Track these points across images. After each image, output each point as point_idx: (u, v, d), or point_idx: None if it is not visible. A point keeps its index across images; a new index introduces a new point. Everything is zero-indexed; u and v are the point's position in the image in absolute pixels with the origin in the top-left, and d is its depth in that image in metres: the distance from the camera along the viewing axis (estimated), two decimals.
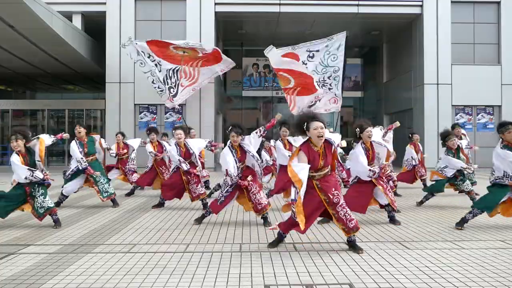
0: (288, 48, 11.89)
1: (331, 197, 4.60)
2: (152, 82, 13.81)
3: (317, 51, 11.94)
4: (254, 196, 5.87)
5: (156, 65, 13.56)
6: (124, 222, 6.34)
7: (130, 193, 9.49)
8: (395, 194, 9.36)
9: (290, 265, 4.13)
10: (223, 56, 14.37)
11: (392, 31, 19.98)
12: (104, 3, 16.87)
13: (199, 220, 6.21)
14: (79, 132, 7.60)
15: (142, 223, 6.25)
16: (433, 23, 17.20)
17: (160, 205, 7.72)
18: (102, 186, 7.55)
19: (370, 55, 23.67)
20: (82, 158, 7.42)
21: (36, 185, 5.89)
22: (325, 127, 4.66)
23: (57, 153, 19.53)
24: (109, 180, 7.99)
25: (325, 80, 11.77)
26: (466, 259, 4.36)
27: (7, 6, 11.51)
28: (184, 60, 13.85)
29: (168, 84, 13.74)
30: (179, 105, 16.56)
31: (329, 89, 11.77)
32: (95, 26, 17.42)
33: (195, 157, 7.21)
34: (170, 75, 13.79)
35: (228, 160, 5.77)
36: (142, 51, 13.48)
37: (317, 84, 11.31)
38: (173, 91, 13.81)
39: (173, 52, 13.77)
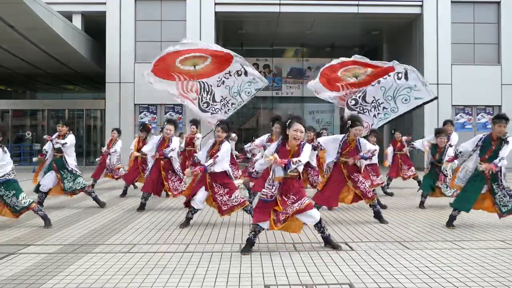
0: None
1: (286, 199, 4.62)
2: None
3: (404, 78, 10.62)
4: (221, 197, 5.83)
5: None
6: (124, 222, 6.34)
7: (123, 194, 9.38)
8: (386, 193, 9.42)
9: (290, 265, 4.13)
10: (232, 54, 11.80)
11: (392, 31, 19.97)
12: (104, 3, 16.86)
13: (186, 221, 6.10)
14: (60, 131, 7.44)
15: (142, 223, 6.25)
16: (433, 23, 17.19)
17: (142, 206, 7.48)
18: (68, 183, 7.39)
19: (370, 55, 23.53)
20: (44, 148, 7.55)
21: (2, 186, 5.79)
22: (305, 132, 4.73)
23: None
24: (77, 176, 7.53)
25: (379, 106, 10.69)
26: (466, 259, 4.36)
27: (7, 6, 11.51)
28: (197, 76, 11.75)
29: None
30: (179, 105, 16.59)
31: (374, 115, 10.56)
32: (95, 26, 17.42)
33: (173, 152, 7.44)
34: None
35: (202, 150, 6.08)
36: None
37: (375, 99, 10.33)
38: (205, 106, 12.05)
39: (180, 69, 11.68)
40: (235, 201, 5.82)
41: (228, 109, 11.36)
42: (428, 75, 17.21)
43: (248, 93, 11.69)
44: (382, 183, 8.76)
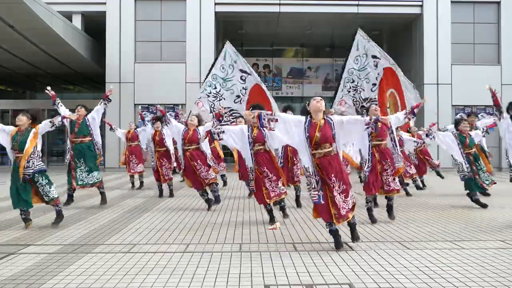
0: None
1: (328, 181, 4.62)
2: (210, 81, 12.25)
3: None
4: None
5: (238, 96, 12.15)
6: (124, 222, 6.34)
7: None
8: (418, 187, 9.94)
9: (290, 265, 4.13)
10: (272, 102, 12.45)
11: (392, 31, 19.98)
12: (104, 3, 16.87)
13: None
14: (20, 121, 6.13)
15: (142, 223, 6.25)
16: (433, 23, 17.19)
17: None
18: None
19: None
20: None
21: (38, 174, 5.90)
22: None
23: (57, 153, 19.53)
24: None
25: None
26: (466, 259, 4.36)
27: (7, 6, 11.51)
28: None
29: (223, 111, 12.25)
30: (179, 105, 16.61)
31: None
32: (95, 26, 17.42)
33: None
34: (234, 115, 12.60)
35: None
36: (243, 78, 12.11)
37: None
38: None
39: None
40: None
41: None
42: (428, 75, 17.24)
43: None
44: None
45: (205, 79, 12.25)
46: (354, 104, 11.38)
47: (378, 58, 11.26)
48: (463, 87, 17.11)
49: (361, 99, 11.22)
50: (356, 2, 17.07)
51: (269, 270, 4.00)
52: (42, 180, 5.89)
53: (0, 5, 11.41)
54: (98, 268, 4.06)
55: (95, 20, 17.32)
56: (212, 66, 12.24)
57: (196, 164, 7.26)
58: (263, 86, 12.19)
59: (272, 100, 12.35)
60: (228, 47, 12.12)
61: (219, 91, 12.17)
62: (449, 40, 17.14)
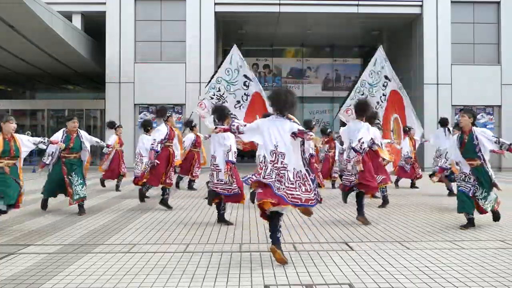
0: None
1: None
2: (214, 84, 12.26)
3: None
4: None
5: (238, 101, 12.10)
6: (124, 222, 6.34)
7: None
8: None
9: (290, 265, 4.13)
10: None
11: (392, 31, 19.98)
12: (104, 3, 16.86)
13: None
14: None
15: (142, 223, 6.25)
16: (433, 23, 17.19)
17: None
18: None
19: (370, 55, 23.62)
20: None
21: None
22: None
23: None
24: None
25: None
26: (466, 259, 4.36)
27: (7, 6, 11.51)
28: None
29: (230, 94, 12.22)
30: (180, 104, 16.61)
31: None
32: (95, 26, 17.42)
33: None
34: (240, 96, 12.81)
35: None
36: (246, 84, 12.11)
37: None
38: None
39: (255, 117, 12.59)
40: None
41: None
42: (428, 75, 17.23)
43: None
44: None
45: (209, 81, 12.33)
46: None
47: (389, 79, 11.60)
48: (463, 87, 17.11)
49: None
50: (356, 2, 17.07)
51: (269, 270, 4.00)
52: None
53: (0, 5, 11.40)
54: (98, 268, 4.06)
55: (95, 20, 17.32)
56: (218, 68, 12.31)
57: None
58: (263, 95, 12.29)
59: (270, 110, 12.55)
60: (235, 51, 12.19)
61: (223, 94, 12.28)
62: (449, 40, 17.14)
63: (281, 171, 4.18)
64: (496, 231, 5.70)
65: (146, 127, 9.13)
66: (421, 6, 17.33)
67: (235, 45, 12.26)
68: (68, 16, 15.90)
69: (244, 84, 12.32)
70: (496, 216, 6.03)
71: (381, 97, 11.35)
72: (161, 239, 5.27)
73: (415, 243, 5.03)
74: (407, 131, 10.38)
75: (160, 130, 7.42)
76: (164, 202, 7.39)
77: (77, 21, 17.14)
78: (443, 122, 9.86)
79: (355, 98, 11.38)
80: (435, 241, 5.10)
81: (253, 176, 4.25)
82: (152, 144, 7.25)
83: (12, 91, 24.81)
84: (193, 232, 5.67)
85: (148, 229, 5.85)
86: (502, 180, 13.05)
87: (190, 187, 10.40)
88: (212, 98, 12.28)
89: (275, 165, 4.19)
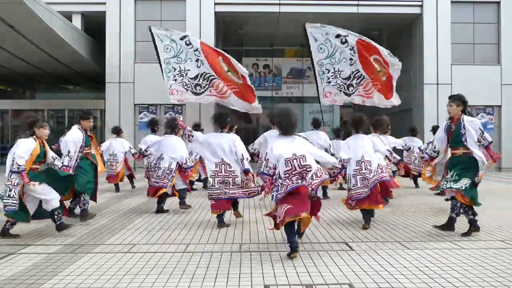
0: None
1: None
2: (167, 68, 12.87)
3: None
4: None
5: (197, 60, 12.85)
6: (124, 222, 6.34)
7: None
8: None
9: (289, 265, 4.13)
10: (256, 101, 13.56)
11: (392, 31, 19.97)
12: (104, 3, 16.85)
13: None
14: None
15: (142, 223, 6.25)
16: (433, 23, 17.18)
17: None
18: None
19: None
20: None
21: None
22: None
23: None
24: None
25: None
26: (466, 259, 4.36)
27: (7, 6, 11.50)
28: (224, 78, 13.15)
29: (195, 81, 12.97)
30: (179, 105, 16.57)
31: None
32: (95, 26, 17.41)
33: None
34: (206, 77, 13.01)
35: None
36: (187, 42, 12.73)
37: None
38: (199, 89, 13.06)
39: (220, 63, 13.13)
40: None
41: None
42: (428, 75, 17.22)
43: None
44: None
45: (162, 71, 12.73)
46: (340, 90, 11.80)
47: (344, 35, 11.68)
48: (463, 87, 17.01)
49: (343, 81, 11.69)
50: (356, 2, 17.06)
51: (269, 270, 4.00)
52: None
53: (0, 5, 11.40)
54: (98, 268, 4.06)
55: (95, 20, 17.31)
56: (157, 56, 12.73)
57: None
58: (207, 43, 13.07)
59: (229, 56, 13.12)
60: (154, 30, 12.69)
61: (181, 68, 12.88)
62: (449, 40, 17.13)
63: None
64: (496, 231, 5.70)
65: (153, 126, 9.41)
66: (421, 6, 17.33)
67: (149, 26, 12.90)
68: (68, 16, 15.90)
69: (186, 44, 12.75)
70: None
71: (350, 52, 11.52)
72: (161, 239, 5.27)
73: (415, 243, 5.03)
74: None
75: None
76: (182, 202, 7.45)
77: (77, 21, 17.14)
78: (434, 130, 9.79)
79: (324, 82, 11.58)
80: (435, 241, 5.10)
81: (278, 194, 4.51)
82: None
83: (12, 91, 24.81)
84: (193, 232, 5.67)
85: (148, 229, 5.85)
86: (502, 180, 13.07)
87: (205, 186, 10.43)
88: (176, 80, 12.72)
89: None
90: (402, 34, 19.37)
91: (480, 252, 4.62)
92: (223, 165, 5.96)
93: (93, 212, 6.67)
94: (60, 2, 16.12)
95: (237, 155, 5.96)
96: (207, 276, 3.83)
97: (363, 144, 6.02)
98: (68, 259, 4.36)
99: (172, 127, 7.30)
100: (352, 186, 5.97)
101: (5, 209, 5.24)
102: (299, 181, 4.44)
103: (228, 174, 5.95)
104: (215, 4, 16.94)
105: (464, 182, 5.25)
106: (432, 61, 17.18)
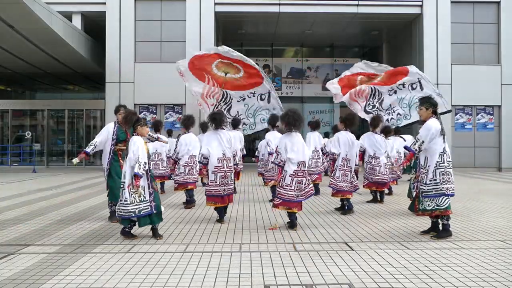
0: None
1: None
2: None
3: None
4: None
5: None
6: None
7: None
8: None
9: (290, 265, 4.13)
10: (264, 76, 13.02)
11: (392, 31, 19.97)
12: (104, 3, 16.86)
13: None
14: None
15: None
16: (433, 23, 17.19)
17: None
18: None
19: (370, 55, 23.66)
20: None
21: None
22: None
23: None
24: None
25: (394, 112, 12.32)
26: (466, 259, 4.36)
27: (7, 6, 11.50)
28: (225, 84, 12.83)
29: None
30: (179, 105, 16.62)
31: (386, 119, 12.24)
32: (95, 26, 17.42)
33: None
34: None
35: None
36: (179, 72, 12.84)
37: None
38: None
39: (213, 73, 12.81)
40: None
41: (244, 129, 12.32)
42: (428, 75, 17.15)
43: (263, 120, 12.78)
44: None
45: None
46: (366, 105, 12.12)
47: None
48: (463, 87, 17.10)
49: (378, 105, 12.07)
50: (356, 2, 17.06)
51: (269, 270, 4.00)
52: None
53: (0, 5, 11.40)
54: (98, 268, 4.06)
55: (95, 20, 17.32)
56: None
57: None
58: (202, 52, 12.99)
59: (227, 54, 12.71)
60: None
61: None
62: (449, 40, 17.13)
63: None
64: (496, 231, 5.71)
65: (157, 127, 9.50)
66: (421, 6, 17.33)
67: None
68: (68, 16, 15.90)
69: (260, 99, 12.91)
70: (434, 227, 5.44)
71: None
72: (161, 239, 5.27)
73: (415, 243, 5.03)
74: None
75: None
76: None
77: (77, 21, 17.13)
78: None
79: (374, 100, 11.89)
80: (435, 241, 5.11)
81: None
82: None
83: (12, 91, 24.81)
84: (193, 232, 5.67)
85: (148, 229, 5.85)
86: (502, 180, 13.08)
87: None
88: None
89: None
90: (402, 34, 19.38)
91: (480, 252, 4.62)
92: (225, 161, 6.28)
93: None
94: (60, 2, 16.11)
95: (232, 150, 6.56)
96: (207, 276, 3.83)
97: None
98: (68, 259, 4.36)
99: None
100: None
101: (141, 213, 5.18)
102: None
103: (229, 169, 6.32)
104: (215, 4, 16.94)
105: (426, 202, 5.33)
106: (432, 61, 17.18)
